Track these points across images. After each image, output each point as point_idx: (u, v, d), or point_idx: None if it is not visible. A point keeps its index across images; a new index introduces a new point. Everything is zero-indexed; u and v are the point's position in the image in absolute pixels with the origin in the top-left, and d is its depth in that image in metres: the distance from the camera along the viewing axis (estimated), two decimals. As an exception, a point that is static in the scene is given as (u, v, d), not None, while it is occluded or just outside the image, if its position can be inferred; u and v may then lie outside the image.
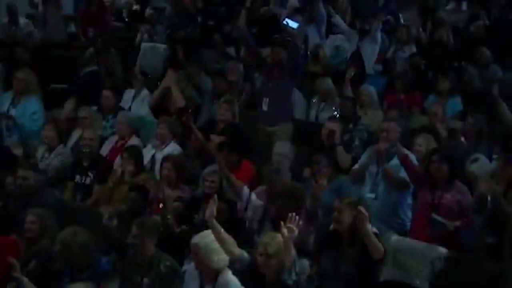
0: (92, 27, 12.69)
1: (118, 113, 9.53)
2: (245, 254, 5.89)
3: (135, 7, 14.58)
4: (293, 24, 9.03)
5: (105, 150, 9.14)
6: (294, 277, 5.46)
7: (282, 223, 5.54)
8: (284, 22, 9.03)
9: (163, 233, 6.65)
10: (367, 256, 5.69)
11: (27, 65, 11.20)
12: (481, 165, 7.24)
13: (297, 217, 5.48)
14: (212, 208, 5.93)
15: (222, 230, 5.88)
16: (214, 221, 5.89)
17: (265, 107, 9.19)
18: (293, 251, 5.53)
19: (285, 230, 5.45)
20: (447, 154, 6.94)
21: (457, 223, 6.80)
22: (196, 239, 5.97)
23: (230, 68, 10.42)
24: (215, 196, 6.08)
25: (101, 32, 12.38)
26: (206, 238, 5.94)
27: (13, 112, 9.67)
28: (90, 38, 12.35)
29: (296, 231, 5.48)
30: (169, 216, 7.30)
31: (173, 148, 8.70)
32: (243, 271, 5.79)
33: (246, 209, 6.62)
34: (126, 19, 14.52)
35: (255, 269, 5.70)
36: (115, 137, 9.29)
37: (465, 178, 7.16)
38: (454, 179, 6.91)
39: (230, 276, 5.82)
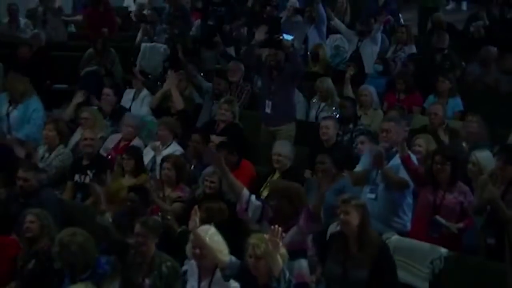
0: (99, 28, 12.61)
1: (126, 115, 9.48)
2: (234, 259, 5.88)
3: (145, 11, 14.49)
4: (288, 37, 9.06)
5: (105, 151, 9.13)
6: (283, 285, 5.44)
7: (265, 236, 5.54)
8: (280, 37, 9.08)
9: (163, 233, 6.64)
10: (377, 260, 5.69)
11: (27, 65, 11.24)
12: (487, 156, 7.21)
13: (279, 228, 5.47)
14: (195, 220, 5.93)
15: (207, 239, 5.86)
16: (197, 231, 5.89)
17: (268, 110, 9.19)
18: (282, 260, 5.52)
19: (269, 244, 5.45)
20: (449, 154, 6.93)
21: (460, 225, 6.79)
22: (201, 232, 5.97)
23: (232, 69, 10.43)
24: (196, 207, 6.07)
25: (111, 33, 12.36)
26: (209, 230, 5.96)
27: (14, 112, 9.68)
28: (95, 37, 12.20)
29: (281, 244, 5.47)
30: (169, 216, 7.30)
31: (174, 148, 8.70)
32: (235, 276, 5.78)
33: (246, 210, 6.59)
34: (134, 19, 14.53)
35: (246, 273, 5.69)
36: (117, 137, 9.27)
37: (467, 179, 7.15)
38: (457, 180, 6.90)
39: None
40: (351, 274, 5.79)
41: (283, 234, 5.52)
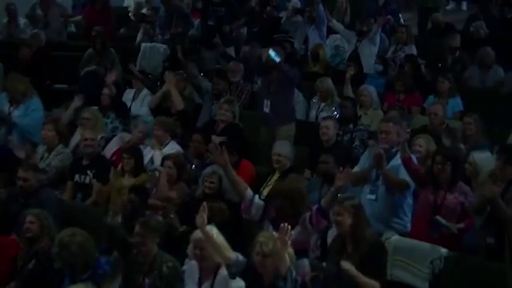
0: (96, 26, 12.59)
1: (139, 120, 9.41)
2: (240, 257, 5.89)
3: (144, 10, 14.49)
4: (276, 58, 8.96)
5: (109, 151, 9.12)
6: (290, 284, 5.46)
7: (274, 233, 5.55)
8: (269, 53, 9.02)
9: (165, 232, 6.64)
10: (365, 258, 5.70)
11: (27, 65, 11.23)
12: (485, 157, 7.22)
13: (289, 227, 5.48)
14: (203, 216, 5.93)
15: (215, 236, 5.89)
16: (206, 228, 5.90)
17: (266, 109, 9.19)
18: (289, 259, 5.53)
19: (278, 242, 5.46)
20: (450, 155, 6.93)
21: (461, 225, 6.79)
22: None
23: (232, 69, 10.43)
24: (204, 203, 6.08)
25: (106, 31, 12.34)
26: (213, 229, 5.97)
27: (15, 112, 9.68)
28: (93, 36, 12.16)
29: (289, 242, 5.49)
30: (172, 216, 7.29)
31: (171, 147, 8.69)
32: (241, 274, 5.79)
33: (249, 208, 6.60)
34: (132, 18, 14.53)
35: (252, 271, 5.70)
36: (124, 137, 9.27)
37: (468, 179, 7.15)
38: (457, 180, 6.91)
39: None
40: (344, 273, 5.80)
41: (292, 233, 5.54)
